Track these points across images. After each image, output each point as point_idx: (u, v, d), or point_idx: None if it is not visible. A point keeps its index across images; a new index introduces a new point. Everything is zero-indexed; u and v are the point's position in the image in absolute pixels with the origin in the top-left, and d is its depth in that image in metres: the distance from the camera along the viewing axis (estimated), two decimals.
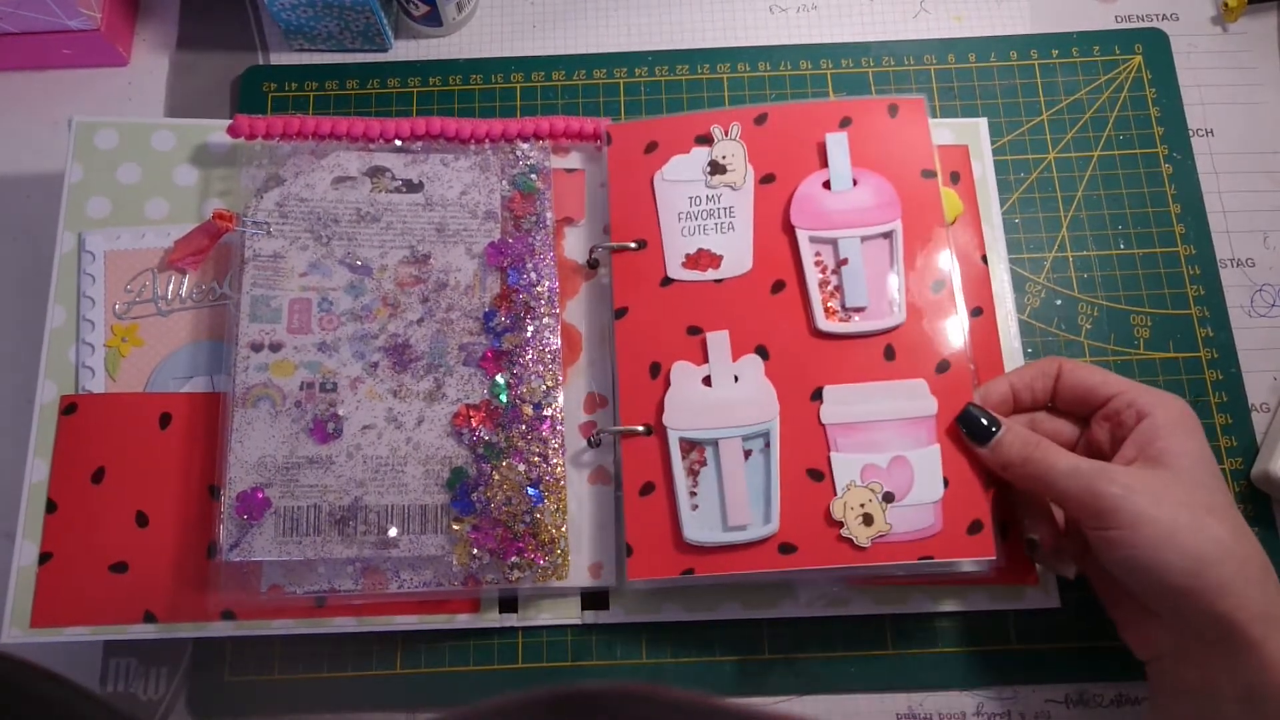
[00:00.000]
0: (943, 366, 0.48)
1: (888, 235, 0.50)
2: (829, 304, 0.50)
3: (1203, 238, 0.57)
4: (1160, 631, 0.43)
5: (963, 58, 0.61)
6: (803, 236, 0.50)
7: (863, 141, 0.52)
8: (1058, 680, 0.50)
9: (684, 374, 0.49)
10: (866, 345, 0.49)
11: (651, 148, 0.53)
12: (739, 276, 0.51)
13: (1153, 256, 0.57)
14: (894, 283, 0.49)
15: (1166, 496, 0.41)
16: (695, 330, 0.50)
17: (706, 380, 0.49)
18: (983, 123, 0.57)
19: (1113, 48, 0.61)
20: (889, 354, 0.49)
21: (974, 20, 0.63)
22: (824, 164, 0.52)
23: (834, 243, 0.50)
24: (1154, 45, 0.61)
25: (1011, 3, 0.63)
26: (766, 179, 0.52)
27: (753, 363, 0.49)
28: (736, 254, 0.51)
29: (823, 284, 0.50)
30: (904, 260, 0.50)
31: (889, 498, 0.46)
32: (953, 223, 0.53)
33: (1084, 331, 0.56)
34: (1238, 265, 0.57)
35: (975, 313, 0.52)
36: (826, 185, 0.51)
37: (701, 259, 0.51)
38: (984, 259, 0.53)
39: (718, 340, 0.49)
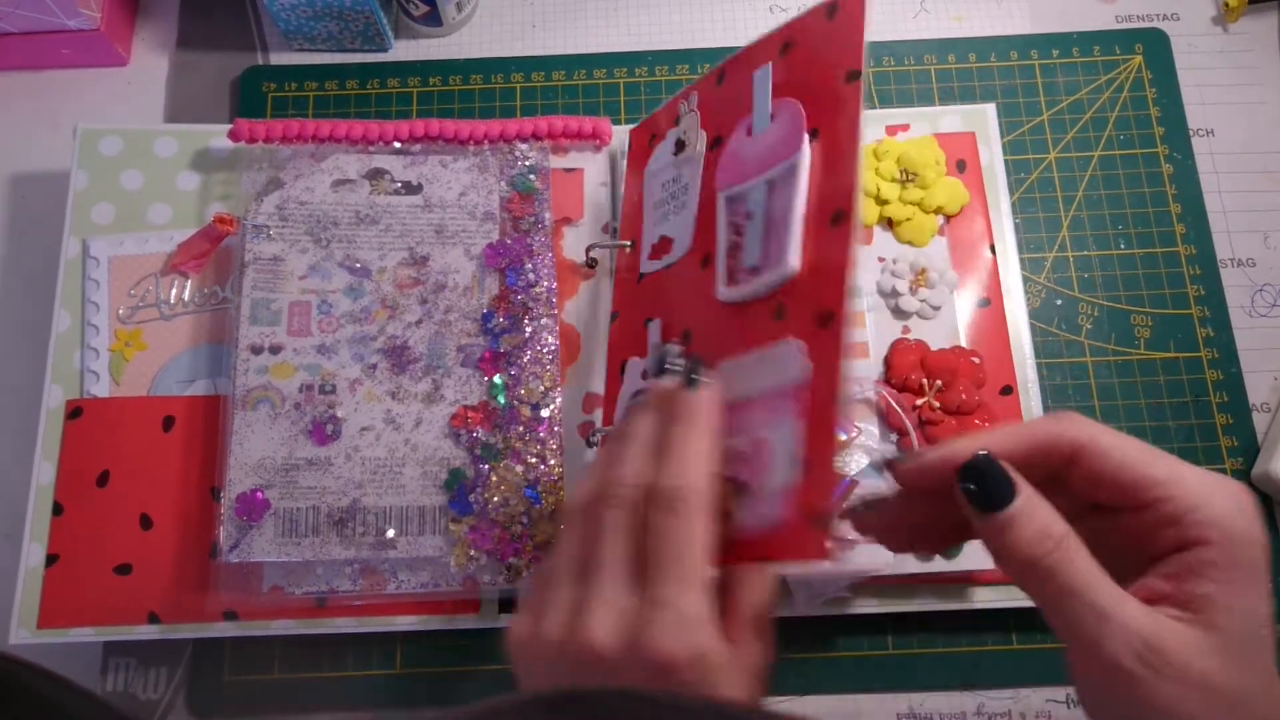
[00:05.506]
0: (825, 319, 0.35)
1: (794, 170, 0.39)
2: (735, 268, 0.41)
3: (1203, 238, 0.57)
4: None
5: (963, 58, 0.61)
6: (720, 199, 0.43)
7: (800, 64, 0.41)
8: (1059, 680, 0.50)
9: (634, 370, 0.47)
10: (762, 307, 0.39)
11: (653, 141, 0.52)
12: (681, 258, 0.45)
13: (1153, 256, 0.57)
14: (790, 226, 0.38)
15: (1192, 670, 0.29)
16: (650, 321, 0.47)
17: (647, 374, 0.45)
18: (991, 108, 0.55)
19: (1113, 48, 0.61)
20: (779, 313, 0.38)
21: (974, 20, 0.63)
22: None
23: (745, 196, 0.42)
24: (1154, 45, 0.61)
25: (1011, 3, 0.63)
26: (714, 144, 0.45)
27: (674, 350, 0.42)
28: (682, 234, 0.46)
29: (732, 248, 0.42)
30: (809, 194, 0.38)
31: (741, 488, 0.36)
32: (958, 213, 0.52)
33: (1084, 331, 0.56)
34: (1238, 265, 0.57)
35: (983, 304, 0.51)
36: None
37: (662, 246, 0.47)
38: (992, 249, 0.52)
39: (652, 330, 0.47)
